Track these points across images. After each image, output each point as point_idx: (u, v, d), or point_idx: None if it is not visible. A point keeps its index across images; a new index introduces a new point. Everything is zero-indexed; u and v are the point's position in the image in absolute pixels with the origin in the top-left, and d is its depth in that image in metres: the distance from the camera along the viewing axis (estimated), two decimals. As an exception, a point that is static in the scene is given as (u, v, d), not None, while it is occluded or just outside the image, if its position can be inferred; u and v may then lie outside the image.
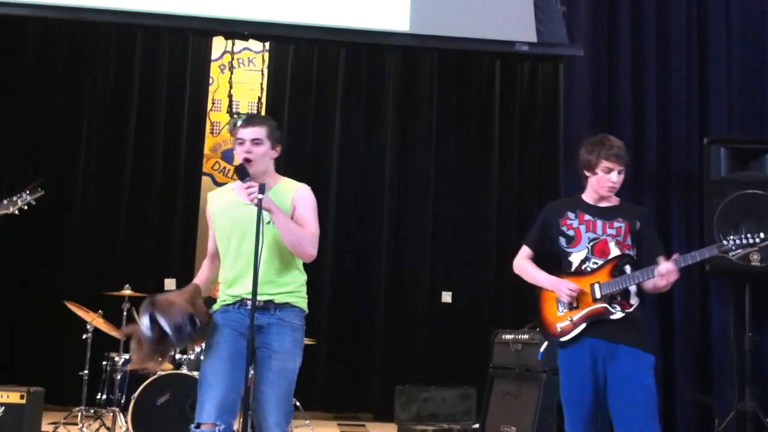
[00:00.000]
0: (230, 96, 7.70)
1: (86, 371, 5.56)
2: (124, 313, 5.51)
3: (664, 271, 3.30)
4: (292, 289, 3.31)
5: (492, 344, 5.78)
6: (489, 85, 7.76)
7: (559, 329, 3.47)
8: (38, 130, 7.19)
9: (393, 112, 7.60)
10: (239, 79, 7.92)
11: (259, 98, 7.74)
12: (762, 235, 3.27)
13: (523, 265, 3.65)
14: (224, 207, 3.36)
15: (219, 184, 7.37)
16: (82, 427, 5.43)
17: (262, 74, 7.74)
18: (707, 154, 5.62)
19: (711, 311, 5.81)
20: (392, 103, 7.62)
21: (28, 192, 4.27)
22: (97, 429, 5.43)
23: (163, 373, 5.13)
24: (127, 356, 5.40)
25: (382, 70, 7.66)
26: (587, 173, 3.52)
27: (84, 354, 5.57)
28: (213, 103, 7.97)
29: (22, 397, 4.96)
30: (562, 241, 3.52)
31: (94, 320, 5.51)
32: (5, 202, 4.23)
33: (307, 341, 5.90)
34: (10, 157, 7.09)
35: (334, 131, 7.56)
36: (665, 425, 5.74)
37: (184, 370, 5.17)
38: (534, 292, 3.64)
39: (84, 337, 5.55)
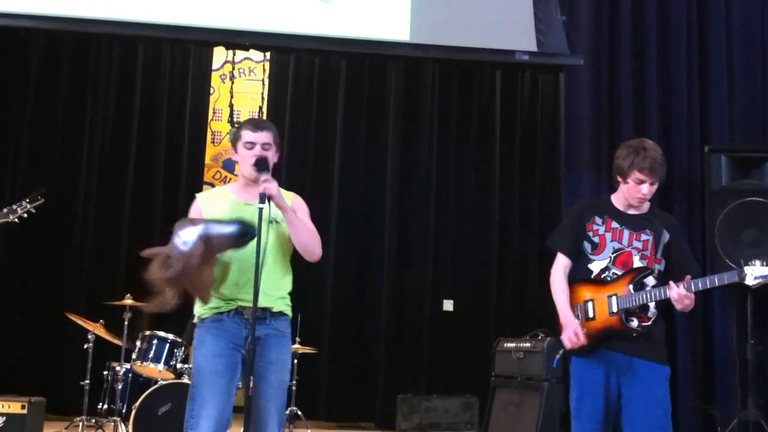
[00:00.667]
0: (231, 106, 7.72)
1: (87, 381, 5.56)
2: (125, 323, 5.50)
3: (677, 297, 3.20)
4: (286, 296, 3.28)
5: (494, 353, 5.78)
6: (490, 94, 7.77)
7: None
8: (41, 140, 7.21)
9: (394, 122, 7.61)
10: (240, 88, 7.95)
11: (260, 108, 7.75)
12: None
13: (556, 280, 3.48)
14: (226, 209, 3.26)
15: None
16: (84, 437, 5.44)
17: (263, 84, 7.76)
18: (708, 163, 5.62)
19: (713, 319, 5.80)
20: (393, 113, 7.62)
21: (28, 200, 4.28)
22: (99, 439, 5.42)
23: (165, 382, 5.13)
24: (128, 366, 5.40)
25: (383, 80, 7.67)
26: (619, 178, 3.41)
27: (85, 363, 5.57)
28: (214, 113, 7.99)
29: (23, 407, 4.96)
30: (587, 246, 3.43)
31: (96, 329, 5.51)
32: (5, 210, 4.24)
33: (309, 350, 5.96)
34: (12, 167, 7.10)
35: (336, 141, 7.57)
36: (668, 434, 5.72)
37: (186, 380, 5.17)
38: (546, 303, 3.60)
39: (85, 346, 5.54)
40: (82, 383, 5.57)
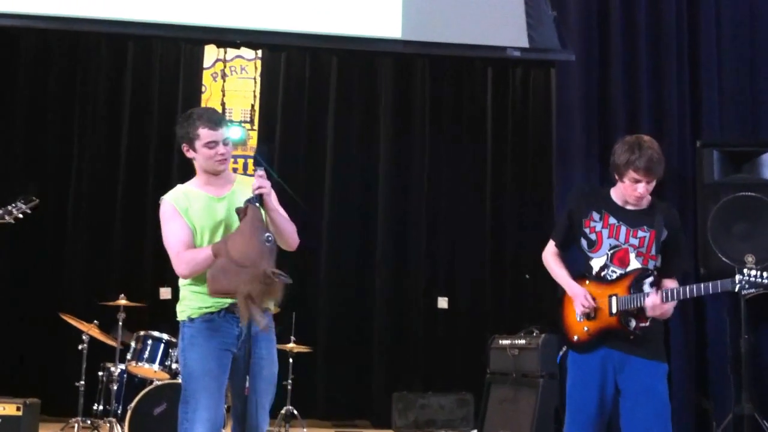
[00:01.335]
0: (223, 104, 7.70)
1: (82, 382, 5.55)
2: (120, 323, 5.49)
3: (650, 306, 3.23)
4: None
5: (489, 350, 5.78)
6: (482, 91, 7.77)
7: (575, 338, 3.44)
8: (32, 140, 7.17)
9: (386, 118, 7.60)
10: (232, 87, 7.92)
11: (252, 106, 7.73)
12: None
13: (549, 261, 3.58)
14: (201, 205, 3.23)
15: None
16: (79, 438, 5.43)
17: (255, 82, 7.74)
18: (700, 158, 5.64)
19: (706, 314, 5.83)
20: (385, 109, 7.61)
21: (22, 201, 4.26)
22: (94, 439, 5.41)
23: (160, 383, 5.12)
24: (123, 366, 5.38)
25: (375, 77, 7.66)
26: (615, 176, 3.38)
27: (80, 364, 5.56)
28: (206, 112, 7.94)
29: (18, 408, 4.95)
30: (584, 243, 3.44)
31: (90, 330, 5.50)
32: (0, 211, 4.22)
33: (304, 349, 5.96)
34: (3, 168, 7.07)
35: (327, 138, 7.56)
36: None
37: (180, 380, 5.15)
38: (557, 294, 3.61)
39: (80, 347, 5.53)
40: (77, 384, 5.56)
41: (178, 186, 3.34)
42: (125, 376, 5.41)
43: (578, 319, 3.41)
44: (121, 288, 5.80)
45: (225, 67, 7.74)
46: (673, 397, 5.76)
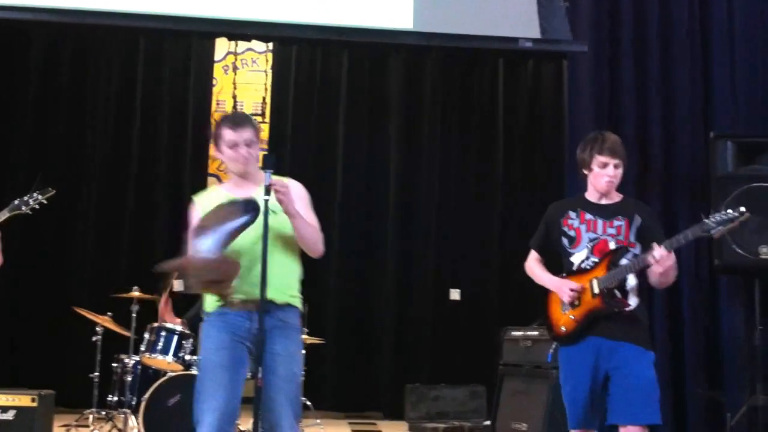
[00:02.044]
0: (234, 97, 7.72)
1: (97, 373, 5.58)
2: (134, 315, 5.52)
3: (658, 257, 3.23)
4: (291, 287, 3.23)
5: (501, 341, 5.78)
6: (493, 83, 7.74)
7: (562, 329, 3.48)
8: (43, 134, 7.20)
9: (397, 111, 7.60)
10: (243, 79, 7.93)
11: (264, 99, 7.74)
12: (742, 209, 3.18)
13: (531, 267, 3.70)
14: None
15: (225, 185, 7.36)
16: (94, 429, 5.47)
17: (266, 75, 7.75)
18: (714, 149, 5.61)
19: (720, 306, 5.82)
20: (396, 102, 7.61)
21: (38, 192, 4.29)
22: (109, 431, 5.43)
23: (174, 374, 5.14)
24: (137, 358, 5.41)
25: (386, 69, 7.65)
26: (585, 171, 3.51)
27: (94, 356, 5.58)
28: (217, 104, 7.97)
29: (33, 400, 4.97)
30: (565, 241, 3.51)
31: (105, 322, 5.53)
32: (17, 202, 4.24)
33: (316, 341, 5.97)
34: (15, 162, 7.10)
35: (338, 130, 7.56)
36: (676, 422, 5.75)
37: (195, 371, 5.18)
38: (542, 295, 3.64)
39: (94, 339, 5.56)
40: (91, 375, 5.59)
41: (213, 185, 3.35)
42: (139, 367, 5.43)
43: (563, 311, 3.47)
44: (133, 280, 5.82)
45: (236, 59, 7.75)
46: (686, 390, 5.79)
